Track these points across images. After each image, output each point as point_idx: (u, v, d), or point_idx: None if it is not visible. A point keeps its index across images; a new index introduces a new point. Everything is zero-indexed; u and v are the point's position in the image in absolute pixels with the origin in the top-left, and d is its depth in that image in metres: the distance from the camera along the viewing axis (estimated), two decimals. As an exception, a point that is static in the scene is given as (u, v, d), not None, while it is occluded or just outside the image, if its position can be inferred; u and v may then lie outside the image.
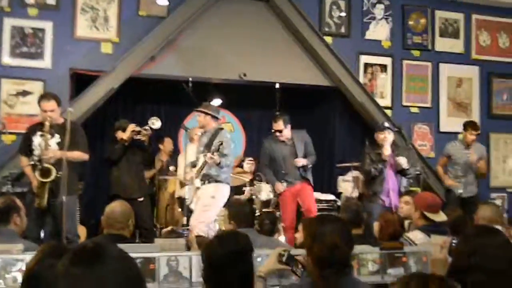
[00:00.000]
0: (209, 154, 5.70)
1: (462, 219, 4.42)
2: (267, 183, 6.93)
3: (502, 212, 7.52)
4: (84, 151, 5.48)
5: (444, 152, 7.15)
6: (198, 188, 5.87)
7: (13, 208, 3.81)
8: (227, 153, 5.89)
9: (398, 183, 6.25)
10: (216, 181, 5.94)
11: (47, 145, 5.24)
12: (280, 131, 6.37)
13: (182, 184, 7.14)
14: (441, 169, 7.11)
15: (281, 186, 6.38)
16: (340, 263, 2.39)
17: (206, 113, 6.04)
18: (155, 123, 6.27)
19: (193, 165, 6.09)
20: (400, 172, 6.26)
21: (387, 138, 6.26)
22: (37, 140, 5.35)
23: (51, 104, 5.35)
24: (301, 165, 6.38)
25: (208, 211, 5.85)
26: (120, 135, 6.33)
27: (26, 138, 5.48)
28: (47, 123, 5.25)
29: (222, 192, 5.97)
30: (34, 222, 5.11)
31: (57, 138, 5.37)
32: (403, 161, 6.18)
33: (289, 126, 6.44)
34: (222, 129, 6.19)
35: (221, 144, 5.72)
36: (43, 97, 5.47)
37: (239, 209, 4.31)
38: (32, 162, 5.31)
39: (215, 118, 6.12)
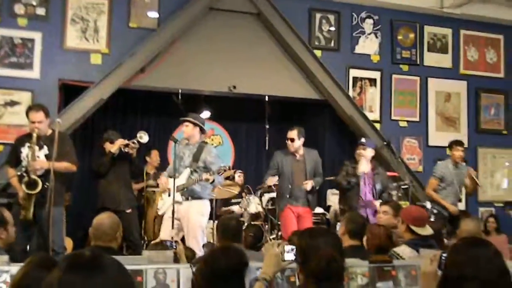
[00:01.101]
0: (205, 175, 5.64)
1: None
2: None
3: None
4: (72, 162, 5.44)
5: (435, 174, 6.96)
6: (177, 202, 5.63)
7: (1, 222, 3.76)
8: (215, 170, 5.87)
9: (375, 198, 6.26)
10: (200, 198, 5.86)
11: (34, 157, 5.20)
12: (293, 140, 6.25)
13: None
14: (434, 193, 6.90)
15: (272, 179, 6.23)
16: (336, 275, 2.36)
17: (195, 124, 5.93)
18: (143, 137, 6.20)
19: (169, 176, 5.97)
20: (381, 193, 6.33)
21: (362, 154, 6.30)
22: (25, 151, 5.31)
23: (39, 115, 5.31)
24: (309, 188, 6.22)
25: (201, 229, 5.81)
26: (108, 147, 6.27)
27: (14, 149, 5.44)
28: (34, 135, 5.21)
29: (208, 208, 5.95)
30: (21, 234, 5.04)
31: (45, 150, 5.33)
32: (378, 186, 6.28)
33: (302, 140, 6.32)
34: (206, 143, 6.07)
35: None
36: (31, 108, 5.43)
37: (225, 223, 4.27)
38: (19, 173, 5.26)
39: (202, 130, 6.04)
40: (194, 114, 6.12)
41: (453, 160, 6.92)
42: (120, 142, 6.20)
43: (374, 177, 6.33)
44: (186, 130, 5.93)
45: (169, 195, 5.78)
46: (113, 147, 6.18)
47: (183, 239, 5.68)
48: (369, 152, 6.36)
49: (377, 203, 6.01)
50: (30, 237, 5.27)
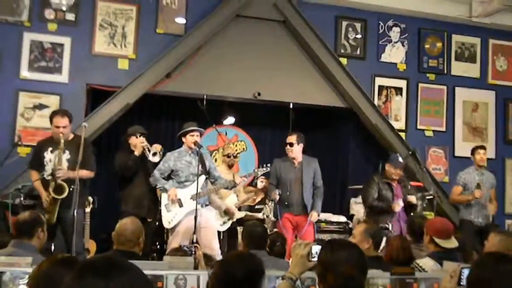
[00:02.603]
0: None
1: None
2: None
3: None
4: (91, 170, 5.55)
5: (458, 181, 6.90)
6: (195, 211, 5.55)
7: (38, 223, 3.83)
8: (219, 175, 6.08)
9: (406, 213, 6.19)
10: (207, 205, 5.98)
11: (61, 162, 5.30)
12: (291, 145, 6.21)
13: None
14: (458, 196, 6.86)
15: (275, 193, 6.08)
16: None
17: (201, 134, 6.05)
18: (155, 157, 6.09)
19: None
20: (410, 207, 6.23)
21: (394, 173, 6.24)
22: (48, 156, 5.42)
23: (64, 121, 5.42)
24: (316, 220, 6.28)
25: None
26: (134, 141, 6.13)
27: (37, 153, 5.54)
28: (62, 140, 5.31)
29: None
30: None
31: (67, 154, 5.43)
32: (413, 199, 6.17)
33: (301, 146, 6.29)
34: (201, 147, 5.97)
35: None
36: (57, 113, 5.53)
37: (251, 229, 4.27)
38: (43, 177, 5.36)
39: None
40: (193, 122, 6.05)
41: (476, 165, 6.82)
42: (141, 143, 6.10)
43: (403, 190, 6.26)
44: (198, 140, 5.91)
45: (180, 206, 5.76)
46: (136, 149, 6.11)
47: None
48: (396, 172, 6.27)
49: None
50: (53, 237, 5.30)
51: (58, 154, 5.31)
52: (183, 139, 5.97)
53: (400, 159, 6.37)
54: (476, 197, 6.57)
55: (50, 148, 5.44)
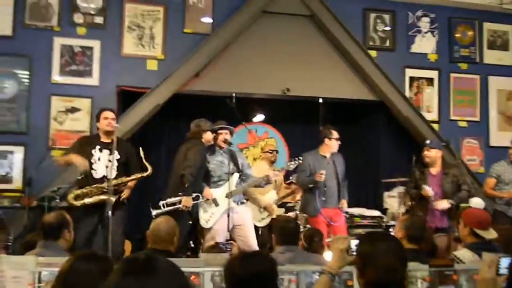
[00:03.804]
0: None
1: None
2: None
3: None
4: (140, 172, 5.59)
5: (491, 173, 6.75)
6: (230, 209, 5.67)
7: (64, 224, 3.88)
8: (251, 173, 6.09)
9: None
10: (243, 202, 6.02)
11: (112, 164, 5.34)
12: (338, 139, 6.29)
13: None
14: (491, 190, 6.71)
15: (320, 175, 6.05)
16: (396, 285, 2.25)
17: (232, 133, 6.03)
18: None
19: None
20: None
21: (427, 155, 6.12)
22: (97, 154, 5.45)
23: (112, 114, 5.56)
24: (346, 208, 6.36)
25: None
26: (207, 138, 5.94)
27: (83, 146, 5.49)
28: (113, 130, 5.35)
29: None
30: (84, 237, 5.17)
31: (117, 154, 5.40)
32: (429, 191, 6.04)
33: None
34: (231, 144, 5.99)
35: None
36: (104, 108, 5.67)
37: (284, 225, 4.24)
38: (92, 176, 5.40)
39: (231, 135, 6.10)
40: (223, 121, 6.06)
41: (510, 159, 6.67)
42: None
43: (442, 178, 6.13)
44: (228, 138, 5.92)
45: (216, 205, 5.77)
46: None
47: None
48: (434, 153, 6.17)
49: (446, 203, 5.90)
50: (93, 240, 5.31)
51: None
52: (209, 137, 5.95)
53: (429, 141, 6.34)
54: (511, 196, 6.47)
55: (99, 147, 5.47)
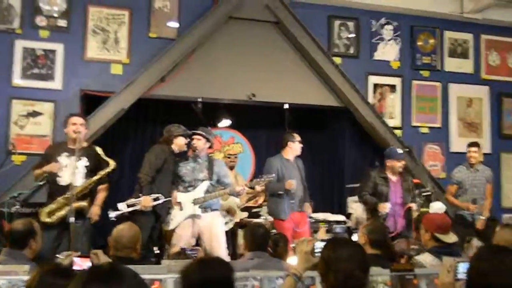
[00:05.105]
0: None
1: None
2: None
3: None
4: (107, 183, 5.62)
5: (452, 180, 7.03)
6: (195, 215, 5.73)
7: (32, 233, 3.82)
8: (230, 183, 6.09)
9: (404, 206, 6.18)
10: (217, 209, 6.01)
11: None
12: (302, 142, 6.43)
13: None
14: (451, 197, 6.98)
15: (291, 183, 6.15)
16: None
17: (208, 139, 6.00)
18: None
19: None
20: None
21: (396, 166, 6.28)
22: (64, 160, 5.38)
23: (81, 119, 5.52)
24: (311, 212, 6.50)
25: (224, 238, 5.97)
26: (178, 142, 5.98)
27: (48, 156, 5.46)
28: (78, 136, 5.31)
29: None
30: (48, 245, 5.08)
31: (85, 161, 5.38)
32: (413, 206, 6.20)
33: None
34: (212, 156, 6.09)
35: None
36: (73, 114, 5.67)
37: (254, 231, 4.24)
38: (59, 184, 5.33)
39: (210, 144, 6.10)
40: (205, 128, 6.13)
41: (468, 163, 6.88)
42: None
43: (403, 185, 6.26)
44: (198, 144, 5.94)
45: (180, 209, 5.81)
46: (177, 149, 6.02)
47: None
48: (402, 163, 6.31)
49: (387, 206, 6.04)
50: (59, 247, 5.23)
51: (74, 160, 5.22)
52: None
53: (400, 150, 6.43)
54: (471, 210, 6.70)
55: (66, 153, 5.40)
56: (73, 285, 1.37)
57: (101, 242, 6.53)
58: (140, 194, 5.65)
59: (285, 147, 6.41)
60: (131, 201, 5.59)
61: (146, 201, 5.58)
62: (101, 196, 5.55)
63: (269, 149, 8.69)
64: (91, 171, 5.44)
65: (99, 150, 5.51)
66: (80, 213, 5.22)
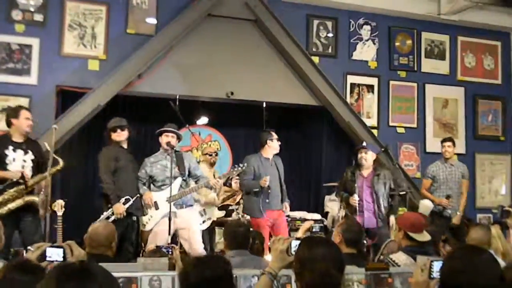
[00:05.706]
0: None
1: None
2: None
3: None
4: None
5: (426, 174, 7.21)
6: (170, 213, 5.64)
7: None
8: (201, 175, 6.07)
9: (376, 204, 6.23)
10: (192, 205, 6.01)
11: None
12: (278, 140, 6.41)
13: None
14: (426, 192, 7.13)
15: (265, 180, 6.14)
16: None
17: (178, 136, 6.00)
18: None
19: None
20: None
21: (364, 157, 6.35)
22: (11, 154, 5.30)
23: (30, 114, 5.46)
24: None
25: (201, 234, 5.98)
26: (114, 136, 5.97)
27: None
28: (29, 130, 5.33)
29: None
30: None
31: (30, 154, 5.35)
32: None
33: None
34: (178, 151, 6.05)
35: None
36: (22, 107, 5.58)
37: (234, 229, 4.23)
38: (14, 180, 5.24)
39: (179, 140, 6.08)
40: (171, 124, 6.08)
41: (443, 158, 7.01)
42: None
43: (373, 180, 6.29)
44: (173, 141, 5.91)
45: (156, 209, 5.80)
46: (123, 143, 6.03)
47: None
48: (370, 156, 6.37)
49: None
50: (11, 241, 5.17)
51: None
52: (160, 140, 5.97)
53: (364, 144, 6.56)
54: (444, 204, 6.85)
55: (12, 147, 5.32)
56: (45, 283, 1.36)
57: (77, 240, 6.48)
58: (109, 205, 5.62)
59: (264, 146, 6.40)
60: (105, 215, 5.55)
61: (118, 209, 5.57)
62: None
63: (247, 148, 8.70)
64: (37, 164, 5.39)
65: (47, 146, 5.41)
66: (31, 207, 5.19)
